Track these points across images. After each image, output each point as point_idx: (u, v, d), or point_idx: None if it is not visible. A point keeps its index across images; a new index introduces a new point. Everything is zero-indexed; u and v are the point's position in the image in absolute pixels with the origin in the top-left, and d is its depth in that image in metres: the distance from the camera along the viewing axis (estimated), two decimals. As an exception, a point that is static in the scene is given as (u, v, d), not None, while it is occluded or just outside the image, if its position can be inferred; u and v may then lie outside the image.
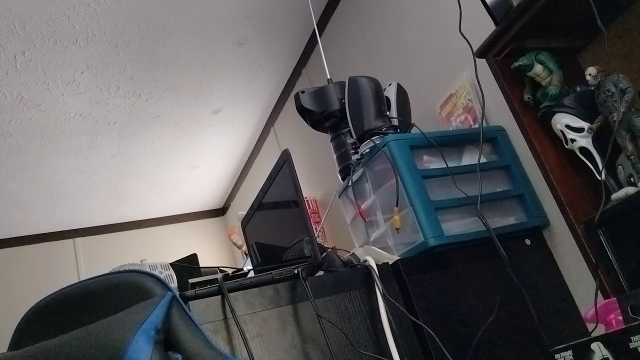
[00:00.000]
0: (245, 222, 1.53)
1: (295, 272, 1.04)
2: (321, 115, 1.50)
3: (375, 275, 1.13)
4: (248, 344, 0.93)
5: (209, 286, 1.00)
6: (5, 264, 3.69)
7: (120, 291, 0.77)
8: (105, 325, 0.72)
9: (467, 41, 1.30)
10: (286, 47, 2.66)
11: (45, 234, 3.85)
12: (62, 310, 0.80)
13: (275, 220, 1.39)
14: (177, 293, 0.78)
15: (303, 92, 1.51)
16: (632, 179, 1.16)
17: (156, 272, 1.23)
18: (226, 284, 1.00)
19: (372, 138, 1.37)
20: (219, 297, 0.99)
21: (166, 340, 0.74)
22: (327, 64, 1.71)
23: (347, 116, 1.46)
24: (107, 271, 0.83)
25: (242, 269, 1.38)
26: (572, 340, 0.87)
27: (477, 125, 1.50)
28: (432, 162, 1.36)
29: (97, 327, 0.72)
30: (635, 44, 1.27)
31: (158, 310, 0.73)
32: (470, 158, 1.39)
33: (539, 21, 1.26)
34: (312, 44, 2.63)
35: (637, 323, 0.79)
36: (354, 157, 1.46)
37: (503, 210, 1.36)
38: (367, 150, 1.39)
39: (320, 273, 1.14)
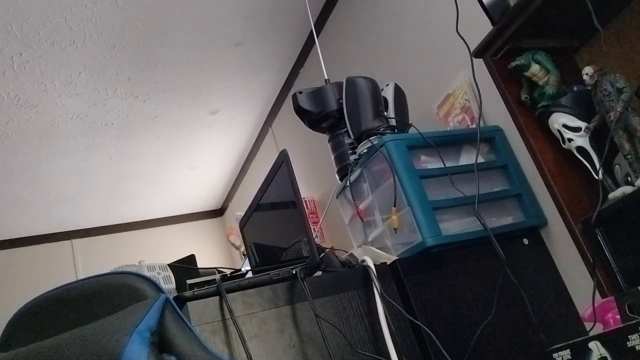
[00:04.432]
0: (244, 223, 1.53)
1: (293, 272, 1.04)
2: (319, 116, 1.50)
3: (373, 275, 1.13)
4: (246, 344, 0.93)
5: (207, 287, 1.00)
6: (2, 266, 3.68)
7: (113, 293, 0.77)
8: (100, 327, 0.72)
9: (464, 41, 1.30)
10: (284, 48, 2.66)
11: (43, 235, 3.84)
12: (53, 310, 0.80)
13: (273, 221, 1.39)
14: (170, 295, 0.78)
15: (301, 92, 1.51)
16: (629, 178, 1.16)
17: (154, 273, 1.23)
18: (224, 285, 0.99)
19: (370, 138, 1.37)
20: (217, 297, 0.99)
21: (160, 342, 0.73)
22: (324, 64, 1.71)
23: (344, 116, 1.46)
24: (101, 272, 0.82)
25: (240, 270, 1.38)
26: (570, 339, 0.87)
27: (474, 125, 1.51)
28: (429, 162, 1.36)
29: (92, 329, 0.72)
30: (632, 43, 1.27)
31: (152, 312, 0.73)
32: (467, 158, 1.40)
33: (536, 21, 1.26)
34: (309, 44, 2.63)
35: (634, 322, 0.79)
36: (352, 158, 1.46)
37: (501, 209, 1.36)
38: (365, 151, 1.39)
39: (319, 273, 1.14)
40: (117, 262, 1.38)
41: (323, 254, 1.19)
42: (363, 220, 1.41)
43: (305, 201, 2.76)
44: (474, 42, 1.36)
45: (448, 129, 1.65)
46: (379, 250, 1.29)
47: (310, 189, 2.83)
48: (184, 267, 1.39)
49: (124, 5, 2.11)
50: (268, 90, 2.97)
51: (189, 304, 0.96)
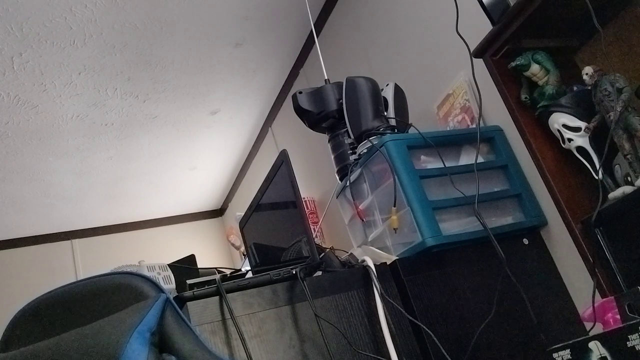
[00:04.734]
0: (243, 223, 1.53)
1: (293, 272, 1.04)
2: (319, 116, 1.50)
3: (373, 276, 1.13)
4: (246, 344, 0.93)
5: (207, 287, 1.00)
6: (2, 266, 3.68)
7: (114, 293, 0.77)
8: (100, 327, 0.72)
9: (464, 41, 1.31)
10: (284, 48, 2.66)
11: (43, 235, 3.84)
12: (53, 311, 0.80)
13: (273, 221, 1.39)
14: (170, 295, 0.78)
15: (300, 92, 1.51)
16: (629, 178, 1.16)
17: (154, 273, 1.23)
18: (224, 285, 0.99)
19: (370, 138, 1.37)
20: (217, 297, 0.99)
21: (160, 342, 0.73)
22: (324, 64, 1.71)
23: (344, 116, 1.46)
24: (101, 273, 0.82)
25: (240, 270, 1.38)
26: (570, 339, 0.87)
27: (474, 125, 1.51)
28: (429, 162, 1.36)
29: (91, 329, 0.72)
30: (632, 43, 1.27)
31: (152, 312, 0.73)
32: (467, 158, 1.40)
33: (535, 21, 1.26)
34: (309, 44, 2.63)
35: (634, 322, 0.79)
36: (352, 158, 1.46)
37: (501, 209, 1.36)
38: (365, 151, 1.39)
39: (319, 273, 1.14)
40: (117, 262, 1.38)
41: (323, 254, 1.19)
42: (363, 220, 1.41)
43: (305, 201, 2.76)
44: (474, 42, 1.36)
45: (448, 129, 1.65)
46: (379, 250, 1.29)
47: (310, 189, 2.83)
48: (184, 267, 1.39)
49: (124, 5, 2.11)
50: (268, 90, 2.97)
51: (189, 304, 0.96)
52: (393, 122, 1.46)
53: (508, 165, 1.42)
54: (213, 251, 4.30)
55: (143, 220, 4.15)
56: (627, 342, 0.78)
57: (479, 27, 1.37)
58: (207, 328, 0.95)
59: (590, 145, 1.23)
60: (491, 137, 1.45)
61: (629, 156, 1.13)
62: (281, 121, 3.12)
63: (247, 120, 3.22)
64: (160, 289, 0.77)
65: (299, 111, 1.51)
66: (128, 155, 3.21)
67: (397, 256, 1.24)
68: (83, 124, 2.78)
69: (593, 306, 1.00)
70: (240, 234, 1.59)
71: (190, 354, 0.72)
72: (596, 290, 1.05)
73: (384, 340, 1.05)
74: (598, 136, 1.22)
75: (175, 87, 2.71)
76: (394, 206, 1.26)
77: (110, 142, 3.02)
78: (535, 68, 1.33)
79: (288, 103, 2.87)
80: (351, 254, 1.27)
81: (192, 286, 1.03)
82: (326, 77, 1.60)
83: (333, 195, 1.54)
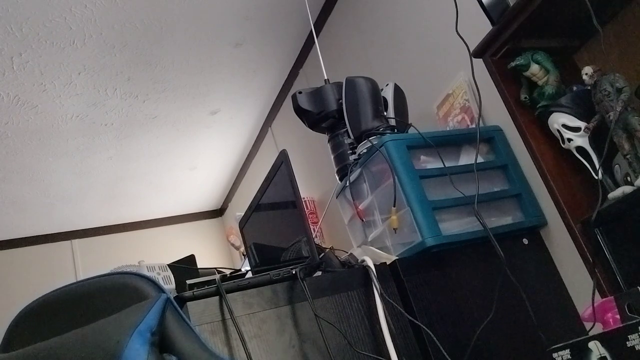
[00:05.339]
0: (243, 223, 1.53)
1: (293, 272, 1.04)
2: (318, 116, 1.50)
3: (373, 276, 1.13)
4: (246, 344, 0.93)
5: (207, 287, 1.00)
6: (2, 266, 3.68)
7: (114, 293, 0.77)
8: (101, 327, 0.72)
9: (464, 41, 1.31)
10: (283, 48, 2.66)
11: (43, 235, 3.84)
12: (55, 311, 0.80)
13: (273, 221, 1.39)
14: (171, 295, 0.78)
15: (300, 92, 1.51)
16: (628, 178, 1.16)
17: (154, 274, 1.23)
18: (224, 285, 1.00)
19: (370, 138, 1.37)
20: (217, 297, 0.99)
21: (161, 342, 0.73)
22: (324, 64, 1.71)
23: (344, 116, 1.46)
24: (102, 273, 0.82)
25: (240, 270, 1.38)
26: (570, 339, 0.87)
27: (474, 125, 1.51)
28: (429, 162, 1.36)
29: (92, 329, 0.72)
30: (631, 43, 1.27)
31: (153, 312, 0.73)
32: (467, 158, 1.40)
33: (535, 21, 1.26)
34: (309, 44, 2.63)
35: (634, 322, 0.79)
36: (352, 158, 1.46)
37: (500, 209, 1.37)
38: (365, 151, 1.39)
39: (318, 273, 1.14)
40: (117, 262, 1.38)
41: (323, 254, 1.19)
42: (363, 220, 1.41)
43: (305, 201, 2.76)
44: (474, 42, 1.36)
45: (448, 129, 1.65)
46: (378, 250, 1.29)
47: (310, 189, 2.83)
48: (184, 267, 1.39)
49: (124, 5, 2.11)
50: (268, 90, 2.97)
51: (188, 304, 0.96)
52: (393, 122, 1.46)
53: (508, 165, 1.42)
54: (213, 251, 4.30)
55: (143, 220, 4.15)
56: (627, 342, 0.78)
57: (479, 27, 1.37)
58: (207, 328, 0.95)
59: (590, 145, 1.23)
60: (491, 137, 1.45)
61: (628, 156, 1.13)
62: (281, 121, 3.12)
63: (247, 120, 3.22)
64: (160, 289, 0.78)
65: (299, 111, 1.52)
66: (128, 155, 3.21)
67: (397, 256, 1.24)
68: (83, 124, 2.78)
69: (593, 306, 1.00)
70: (240, 234, 1.59)
71: (191, 354, 0.72)
72: (596, 290, 1.05)
73: (384, 340, 1.05)
74: (598, 136, 1.22)
75: (175, 87, 2.71)
76: (394, 206, 1.26)
77: (110, 142, 3.02)
78: (534, 68, 1.33)
79: (288, 103, 2.87)
80: (351, 254, 1.27)
81: (192, 286, 1.03)
82: (326, 77, 1.60)
83: (333, 195, 1.54)
